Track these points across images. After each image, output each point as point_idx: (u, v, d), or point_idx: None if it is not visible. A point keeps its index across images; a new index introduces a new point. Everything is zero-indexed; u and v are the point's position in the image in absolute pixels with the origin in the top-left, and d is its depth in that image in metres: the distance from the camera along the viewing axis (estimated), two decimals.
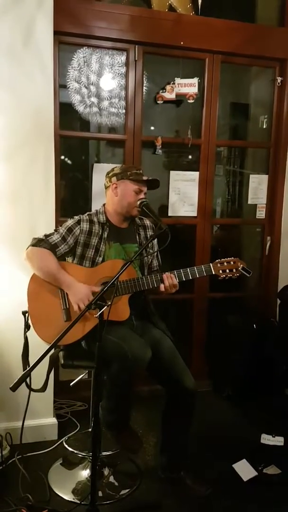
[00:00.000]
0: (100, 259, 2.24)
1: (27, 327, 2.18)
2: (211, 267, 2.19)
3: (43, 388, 2.10)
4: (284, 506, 2.24)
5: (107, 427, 2.20)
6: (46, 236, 2.22)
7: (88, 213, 2.34)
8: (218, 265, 2.20)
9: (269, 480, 2.39)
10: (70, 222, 2.27)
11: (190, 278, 2.20)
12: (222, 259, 2.21)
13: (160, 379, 2.25)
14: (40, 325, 2.16)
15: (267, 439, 2.57)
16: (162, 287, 2.17)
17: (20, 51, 2.48)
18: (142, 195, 2.26)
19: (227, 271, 2.20)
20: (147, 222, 2.40)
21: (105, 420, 2.18)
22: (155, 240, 2.37)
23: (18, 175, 2.56)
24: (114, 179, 2.29)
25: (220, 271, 2.19)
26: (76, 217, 2.29)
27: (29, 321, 2.18)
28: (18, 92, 2.51)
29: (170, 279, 2.17)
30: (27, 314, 2.19)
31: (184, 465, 2.34)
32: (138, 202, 2.21)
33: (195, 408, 2.24)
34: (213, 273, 2.19)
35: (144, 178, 2.26)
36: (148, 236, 2.37)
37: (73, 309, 2.15)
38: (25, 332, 2.19)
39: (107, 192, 2.33)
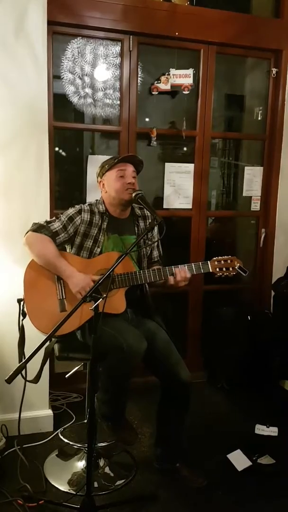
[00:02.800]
0: (98, 250, 2.23)
1: (23, 314, 2.18)
2: (209, 264, 2.18)
3: (36, 380, 2.09)
4: (278, 496, 2.26)
5: (103, 418, 2.20)
6: (47, 222, 2.21)
7: (88, 202, 2.32)
8: (215, 263, 2.18)
9: (263, 470, 2.41)
10: (71, 211, 2.25)
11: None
12: (219, 257, 2.19)
13: (155, 371, 2.26)
14: (35, 314, 2.15)
15: (261, 429, 2.59)
16: (171, 280, 2.16)
17: (13, 42, 2.46)
18: (129, 178, 2.23)
19: (224, 269, 2.18)
20: (147, 212, 2.36)
21: (101, 411, 2.19)
22: (156, 230, 2.37)
23: (12, 168, 2.54)
24: (99, 178, 2.32)
25: (217, 269, 2.18)
26: (77, 206, 2.28)
27: (25, 309, 2.17)
28: (11, 84, 2.48)
29: (182, 273, 2.15)
30: (22, 302, 2.18)
31: (179, 456, 2.36)
32: (134, 194, 2.20)
33: (190, 399, 2.26)
34: (210, 270, 2.17)
35: (117, 159, 2.24)
36: (147, 226, 2.36)
37: (69, 300, 2.15)
38: (21, 320, 2.18)
39: (102, 193, 2.33)
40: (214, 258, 2.19)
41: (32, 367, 2.03)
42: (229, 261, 2.19)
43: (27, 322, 2.18)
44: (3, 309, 2.54)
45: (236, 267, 2.18)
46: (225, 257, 2.20)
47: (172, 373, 2.19)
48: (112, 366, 2.05)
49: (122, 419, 2.27)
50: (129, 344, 2.00)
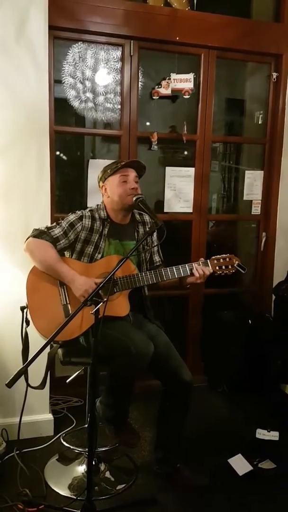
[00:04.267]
0: (99, 256, 2.24)
1: (26, 322, 2.17)
2: (209, 264, 2.20)
3: (42, 386, 2.10)
4: (279, 500, 2.26)
5: (105, 422, 2.20)
6: (48, 228, 2.21)
7: (89, 208, 2.32)
8: (215, 261, 2.21)
9: (264, 475, 2.40)
10: (72, 217, 2.25)
11: (188, 274, 2.20)
12: (218, 256, 2.22)
13: (157, 373, 2.25)
14: (39, 319, 2.15)
15: (262, 433, 2.59)
16: (194, 276, 2.17)
17: (14, 46, 2.47)
18: (131, 184, 2.24)
19: (223, 267, 2.20)
20: (147, 218, 2.37)
21: (105, 415, 2.19)
22: (155, 235, 2.38)
23: (13, 171, 2.54)
24: (101, 183, 2.32)
25: (217, 267, 2.20)
26: (79, 212, 2.27)
27: (28, 316, 2.17)
28: (12, 88, 2.49)
29: (201, 270, 2.18)
30: (25, 309, 2.17)
31: (180, 459, 2.35)
32: (134, 198, 2.20)
33: (191, 401, 2.25)
34: (210, 269, 2.20)
35: (120, 164, 2.24)
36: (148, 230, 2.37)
37: (73, 305, 2.15)
38: (24, 328, 2.17)
39: (103, 198, 2.34)
40: (213, 257, 2.22)
41: (36, 372, 2.04)
42: (227, 259, 2.21)
43: (30, 330, 2.17)
44: (4, 313, 2.54)
45: (235, 265, 2.21)
46: (224, 255, 2.23)
47: (174, 375, 2.19)
48: (119, 369, 2.04)
49: (125, 422, 2.27)
50: (137, 346, 2.00)
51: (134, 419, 2.86)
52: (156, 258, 2.44)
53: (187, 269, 2.19)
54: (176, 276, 2.20)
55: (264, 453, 2.51)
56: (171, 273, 2.19)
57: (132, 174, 2.26)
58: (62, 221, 2.24)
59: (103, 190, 2.32)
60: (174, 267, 2.20)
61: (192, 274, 2.19)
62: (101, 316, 1.82)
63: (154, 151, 3.18)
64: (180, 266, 2.20)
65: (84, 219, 2.24)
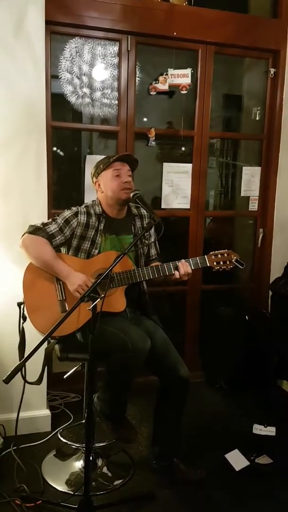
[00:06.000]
0: (96, 251, 2.24)
1: (23, 318, 2.17)
2: (206, 259, 2.20)
3: (39, 381, 2.10)
4: (275, 495, 2.27)
5: (103, 417, 2.21)
6: (44, 224, 2.21)
7: (85, 204, 2.32)
8: (212, 257, 2.21)
9: (261, 470, 2.42)
10: (67, 213, 2.25)
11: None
12: (216, 251, 2.22)
13: (154, 369, 2.26)
14: (36, 316, 2.15)
15: (259, 429, 2.60)
16: (177, 274, 2.16)
17: (12, 41, 2.45)
18: (125, 177, 2.24)
19: (221, 263, 2.21)
20: (144, 211, 2.37)
21: (103, 411, 2.19)
22: (152, 229, 2.38)
23: (10, 168, 2.53)
24: (94, 179, 2.32)
25: (214, 263, 2.20)
26: (74, 209, 2.27)
27: (25, 312, 2.17)
28: (9, 84, 2.48)
29: (185, 267, 2.17)
30: (22, 305, 2.18)
31: (176, 453, 2.36)
32: (132, 195, 2.20)
33: (188, 396, 2.26)
34: (208, 265, 2.20)
35: (112, 159, 2.24)
36: (144, 225, 2.37)
37: (69, 301, 2.14)
38: (21, 323, 2.18)
39: (98, 194, 2.33)
40: (211, 253, 2.22)
41: (33, 368, 2.04)
42: (226, 255, 2.22)
43: (27, 325, 2.17)
44: (2, 309, 2.53)
45: (233, 260, 2.20)
46: (222, 251, 2.23)
47: (171, 371, 2.19)
48: (116, 365, 2.05)
49: (122, 418, 2.27)
50: (134, 342, 2.01)
51: (132, 415, 2.87)
52: (152, 251, 2.44)
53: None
54: (173, 271, 2.20)
55: (261, 448, 2.52)
56: (168, 268, 2.18)
57: (124, 168, 2.26)
58: (58, 218, 2.24)
59: (96, 186, 2.32)
60: (171, 262, 2.20)
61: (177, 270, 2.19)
62: (99, 312, 1.82)
63: (152, 147, 3.17)
64: (176, 261, 2.20)
65: (79, 215, 2.24)
